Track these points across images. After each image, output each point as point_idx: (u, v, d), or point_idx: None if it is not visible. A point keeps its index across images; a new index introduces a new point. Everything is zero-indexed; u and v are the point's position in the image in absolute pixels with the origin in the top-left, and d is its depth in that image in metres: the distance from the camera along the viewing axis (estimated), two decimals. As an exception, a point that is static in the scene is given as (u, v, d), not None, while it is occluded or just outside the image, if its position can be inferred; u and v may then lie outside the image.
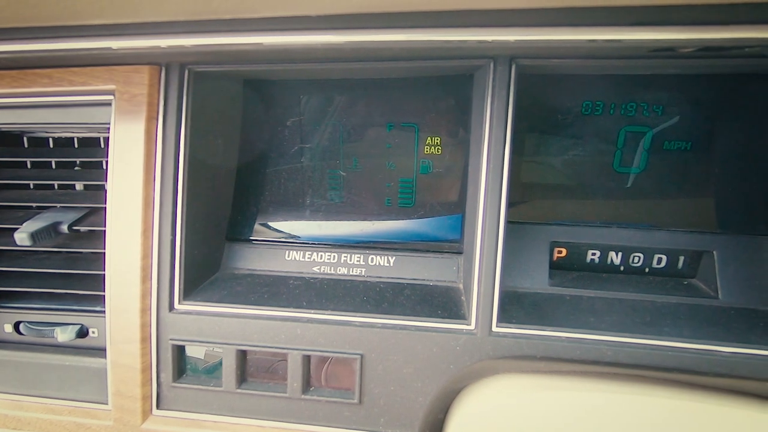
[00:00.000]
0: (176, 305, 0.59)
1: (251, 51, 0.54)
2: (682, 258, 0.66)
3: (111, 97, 0.57)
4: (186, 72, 0.58)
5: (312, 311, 0.57)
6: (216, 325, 0.58)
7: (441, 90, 0.67)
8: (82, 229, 0.63)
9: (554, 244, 0.67)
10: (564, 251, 0.69)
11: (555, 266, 0.69)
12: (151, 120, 0.57)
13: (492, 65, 0.53)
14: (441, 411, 0.60)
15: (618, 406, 0.52)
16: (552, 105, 0.69)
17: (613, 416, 0.52)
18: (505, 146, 0.53)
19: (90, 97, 0.58)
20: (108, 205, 0.57)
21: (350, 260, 0.67)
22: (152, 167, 0.57)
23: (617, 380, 0.56)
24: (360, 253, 0.67)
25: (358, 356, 0.56)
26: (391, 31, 0.49)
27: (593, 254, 0.68)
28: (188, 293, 0.61)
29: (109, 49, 0.54)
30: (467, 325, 0.55)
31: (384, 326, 0.56)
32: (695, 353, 0.52)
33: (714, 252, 0.63)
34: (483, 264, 0.54)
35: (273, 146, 0.71)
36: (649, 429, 0.51)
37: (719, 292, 0.61)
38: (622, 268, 0.68)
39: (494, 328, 0.54)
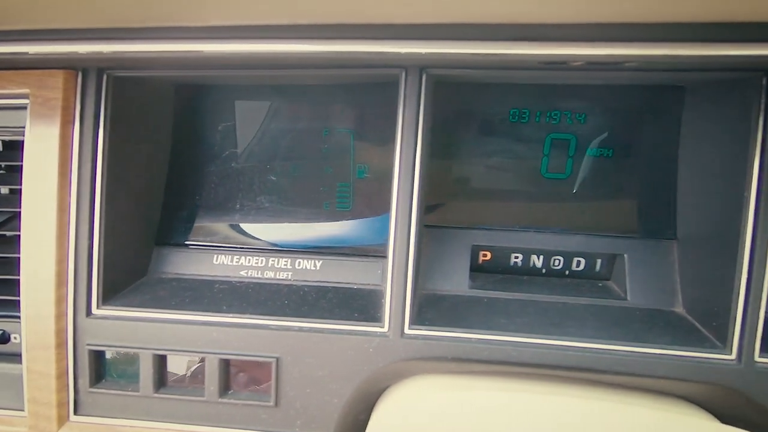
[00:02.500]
0: (94, 310, 0.59)
1: (176, 58, 0.54)
2: (599, 261, 0.69)
3: (26, 101, 0.57)
4: (104, 77, 0.58)
5: (230, 315, 0.58)
6: (134, 330, 0.58)
7: (373, 97, 0.68)
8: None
9: (476, 248, 0.69)
10: (488, 254, 0.71)
11: (479, 269, 0.71)
12: (66, 124, 0.57)
13: (404, 74, 0.55)
14: (362, 411, 0.61)
15: (524, 404, 0.54)
16: (481, 112, 0.71)
17: (520, 414, 0.54)
18: (416, 151, 0.55)
19: (5, 100, 0.58)
20: (22, 210, 0.57)
21: (277, 264, 0.68)
22: (68, 172, 0.57)
23: (532, 379, 0.58)
24: (287, 257, 0.68)
25: (274, 359, 0.56)
26: (315, 42, 0.50)
27: (516, 257, 0.71)
28: (108, 298, 0.60)
29: (26, 54, 0.54)
30: (381, 327, 0.56)
31: (300, 329, 0.57)
32: (595, 352, 0.54)
33: (625, 255, 0.66)
34: (395, 267, 0.56)
35: (206, 151, 0.71)
36: (550, 424, 0.53)
37: (628, 294, 0.64)
38: (543, 271, 0.70)
39: (407, 331, 0.56)
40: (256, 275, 0.68)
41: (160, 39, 0.51)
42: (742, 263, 0.52)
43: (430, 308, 0.60)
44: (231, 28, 0.50)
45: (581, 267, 0.70)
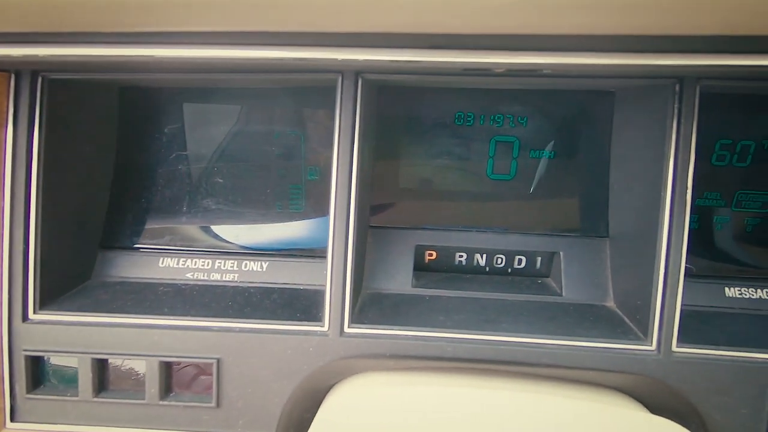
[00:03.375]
0: (31, 315, 0.58)
1: (114, 62, 0.54)
2: (539, 259, 0.72)
3: (-42, 103, 0.56)
4: (39, 79, 0.57)
5: (171, 318, 0.58)
6: (73, 335, 0.58)
7: (321, 99, 0.69)
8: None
9: (420, 248, 0.71)
10: (434, 254, 0.73)
11: (425, 268, 0.73)
12: (-1, 127, 0.56)
13: (341, 79, 0.56)
14: (308, 410, 0.62)
15: (460, 398, 0.56)
16: (428, 115, 0.73)
17: (456, 407, 0.55)
18: (353, 153, 0.56)
19: (-64, 102, 0.57)
20: (-46, 214, 0.56)
21: (224, 266, 0.68)
22: (0, 175, 0.56)
23: (471, 374, 0.60)
24: (234, 259, 0.68)
25: (215, 360, 0.57)
26: (255, 48, 0.51)
27: (461, 257, 0.73)
28: (46, 303, 0.60)
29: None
30: (321, 326, 0.57)
31: (241, 330, 0.57)
32: (526, 346, 0.57)
33: (560, 253, 0.69)
34: (334, 267, 0.57)
35: (153, 153, 0.71)
36: (485, 416, 0.55)
37: (563, 290, 0.67)
38: (487, 269, 0.73)
39: (347, 329, 0.57)
40: (202, 278, 0.68)
41: (96, 43, 0.51)
42: (659, 260, 0.55)
43: (372, 307, 0.62)
44: (169, 34, 0.50)
45: (522, 265, 0.72)
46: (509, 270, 0.73)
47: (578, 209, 0.71)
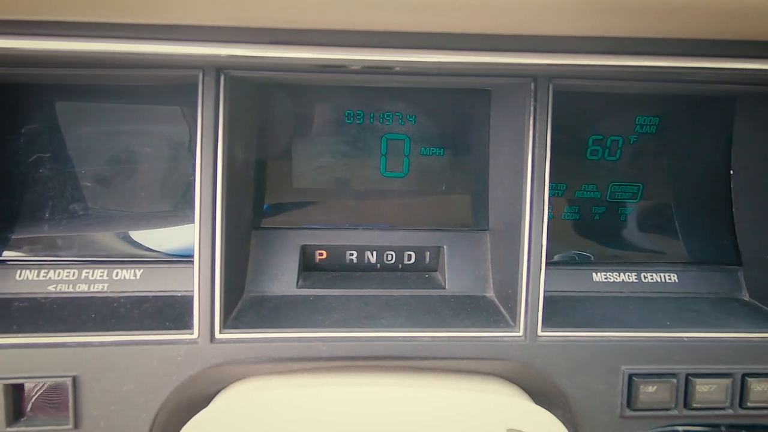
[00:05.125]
0: None
1: None
2: (428, 254, 0.74)
3: None
4: None
5: (19, 336, 0.53)
6: None
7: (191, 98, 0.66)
8: None
9: (308, 248, 0.70)
10: (324, 253, 0.72)
11: (315, 268, 0.72)
12: None
13: (201, 76, 0.54)
14: (183, 423, 0.59)
15: (341, 396, 0.55)
16: (318, 113, 0.72)
17: (336, 406, 0.55)
18: (216, 154, 0.54)
19: None
20: None
21: (92, 276, 0.63)
22: None
23: (357, 371, 0.60)
24: (104, 268, 0.64)
25: (70, 379, 0.53)
26: (107, 41, 0.48)
27: (351, 255, 0.73)
28: None
29: None
30: (190, 334, 0.55)
31: (101, 344, 0.53)
32: (402, 340, 0.57)
33: (444, 247, 0.70)
34: (201, 272, 0.54)
35: (9, 156, 0.65)
36: (369, 413, 0.55)
37: (446, 283, 0.69)
38: (378, 266, 0.73)
39: (218, 335, 0.55)
40: (66, 289, 0.63)
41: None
42: (522, 249, 0.58)
43: (250, 311, 0.60)
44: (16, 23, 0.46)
45: (412, 260, 0.73)
46: (400, 266, 0.74)
47: (463, 204, 0.73)
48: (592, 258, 0.75)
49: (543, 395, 0.61)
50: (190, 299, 0.62)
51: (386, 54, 0.46)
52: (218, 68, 0.54)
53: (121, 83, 0.64)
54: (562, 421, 0.60)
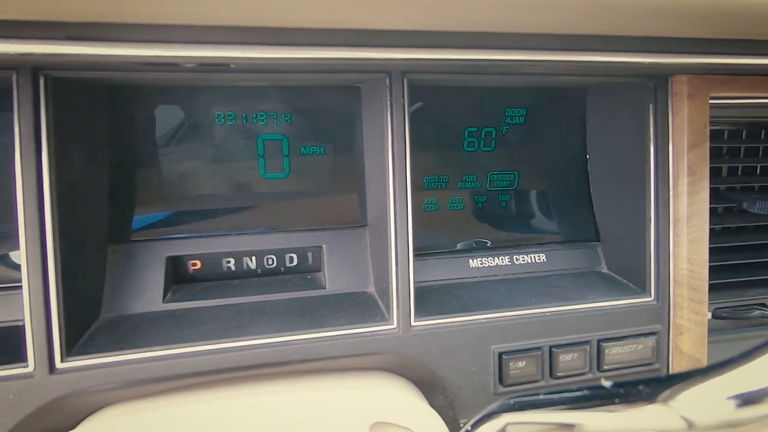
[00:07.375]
0: None
1: None
2: (310, 254, 0.72)
3: None
4: None
5: None
6: None
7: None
8: None
9: (174, 259, 0.65)
10: (198, 263, 0.68)
11: (189, 280, 0.67)
12: None
13: (15, 77, 0.48)
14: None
15: (214, 413, 0.52)
16: (185, 116, 0.68)
17: (210, 423, 0.52)
18: (40, 163, 0.48)
19: None
20: None
21: None
22: None
23: (233, 384, 0.57)
24: None
25: None
26: None
27: (228, 262, 0.69)
28: None
29: None
30: (24, 367, 0.49)
31: None
32: (275, 346, 0.56)
33: (323, 246, 0.70)
34: (31, 297, 0.48)
35: None
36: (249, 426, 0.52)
37: (327, 282, 0.68)
38: (259, 272, 0.71)
39: (59, 365, 0.49)
40: None
41: None
42: (390, 243, 0.59)
43: (104, 333, 0.55)
44: None
45: (295, 263, 0.72)
46: (282, 269, 0.72)
47: (346, 202, 0.73)
48: (475, 245, 0.79)
49: (425, 383, 0.62)
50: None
51: (221, 50, 0.44)
52: (35, 68, 0.48)
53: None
54: (443, 406, 0.62)
